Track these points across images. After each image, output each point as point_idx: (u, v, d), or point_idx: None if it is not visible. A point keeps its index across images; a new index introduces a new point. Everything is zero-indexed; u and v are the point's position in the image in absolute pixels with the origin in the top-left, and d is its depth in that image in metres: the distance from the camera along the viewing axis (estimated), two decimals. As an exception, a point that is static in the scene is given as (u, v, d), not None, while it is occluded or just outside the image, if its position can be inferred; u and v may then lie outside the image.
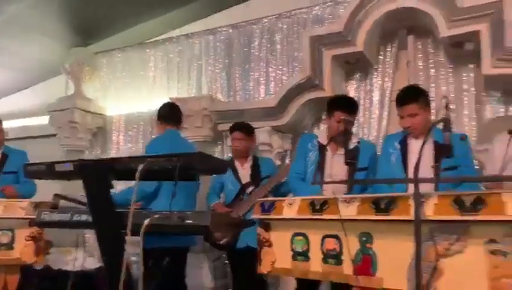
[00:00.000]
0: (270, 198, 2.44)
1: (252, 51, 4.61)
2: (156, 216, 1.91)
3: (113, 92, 5.50)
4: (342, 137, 2.48)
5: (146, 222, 1.85)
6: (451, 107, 3.70)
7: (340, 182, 2.43)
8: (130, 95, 5.33)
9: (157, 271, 2.41)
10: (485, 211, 1.46)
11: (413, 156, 2.48)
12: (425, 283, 1.52)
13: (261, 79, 4.53)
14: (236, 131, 3.56)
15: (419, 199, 1.53)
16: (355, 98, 4.15)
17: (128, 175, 1.98)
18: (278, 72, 4.49)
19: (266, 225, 2.26)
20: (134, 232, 1.84)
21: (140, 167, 1.89)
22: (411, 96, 2.51)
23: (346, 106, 2.72)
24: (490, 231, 1.50)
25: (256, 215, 2.27)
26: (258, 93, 4.52)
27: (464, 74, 3.74)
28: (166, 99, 3.88)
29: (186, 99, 4.33)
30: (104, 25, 5.30)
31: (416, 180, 1.55)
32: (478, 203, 1.47)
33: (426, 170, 2.41)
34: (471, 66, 3.69)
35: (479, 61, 3.28)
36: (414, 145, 2.51)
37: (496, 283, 1.47)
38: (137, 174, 1.88)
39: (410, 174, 2.48)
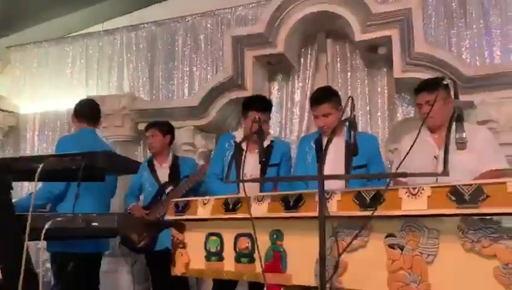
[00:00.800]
0: (185, 198, 2.40)
1: (176, 49, 4.54)
2: (59, 219, 1.79)
3: (28, 89, 5.16)
4: (256, 136, 2.50)
5: (47, 225, 1.74)
6: (367, 109, 3.88)
7: (251, 180, 2.45)
8: (46, 92, 5.02)
9: (62, 277, 2.27)
10: (383, 206, 1.52)
11: (328, 155, 2.56)
12: (330, 277, 1.55)
13: (185, 78, 4.46)
14: (150, 128, 3.49)
15: (324, 195, 1.56)
16: (278, 99, 4.25)
17: (29, 176, 1.85)
18: (202, 71, 4.45)
19: (180, 226, 2.22)
20: (36, 237, 1.72)
21: (40, 167, 1.78)
22: (324, 97, 2.59)
23: (260, 105, 2.76)
24: (389, 226, 1.56)
25: (170, 216, 2.21)
26: (182, 93, 4.45)
27: (379, 77, 3.94)
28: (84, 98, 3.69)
29: (105, 98, 4.16)
30: (18, 17, 4.94)
31: (322, 177, 1.58)
32: (377, 199, 1.52)
33: (339, 168, 2.51)
34: (385, 69, 3.89)
35: (392, 66, 3.47)
36: (330, 144, 2.59)
37: (394, 275, 1.53)
38: (36, 175, 1.76)
39: (325, 172, 2.58)
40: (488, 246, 1.34)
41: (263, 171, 2.74)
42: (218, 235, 2.08)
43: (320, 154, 2.43)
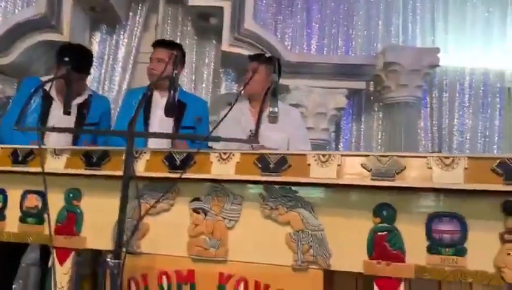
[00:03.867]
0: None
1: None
2: None
3: None
4: (63, 84, 2.20)
5: None
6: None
7: (47, 129, 2.16)
8: None
9: None
10: (193, 169, 1.48)
11: (156, 112, 2.44)
12: (126, 241, 1.44)
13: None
14: None
15: (131, 154, 1.42)
16: (99, 52, 3.88)
17: None
18: (9, 2, 3.75)
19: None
20: None
21: None
22: (165, 43, 2.60)
23: (74, 62, 2.40)
24: (196, 190, 1.53)
25: None
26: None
27: (207, 48, 3.93)
28: None
29: None
30: None
31: (131, 134, 1.45)
32: (187, 161, 1.47)
33: (168, 128, 2.40)
34: (214, 42, 3.89)
35: (221, 40, 3.47)
36: (159, 101, 2.46)
37: (195, 240, 1.51)
38: None
39: (151, 128, 2.44)
40: (284, 214, 1.42)
41: (78, 128, 2.44)
42: (2, 191, 1.76)
43: (139, 107, 2.26)
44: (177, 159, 1.50)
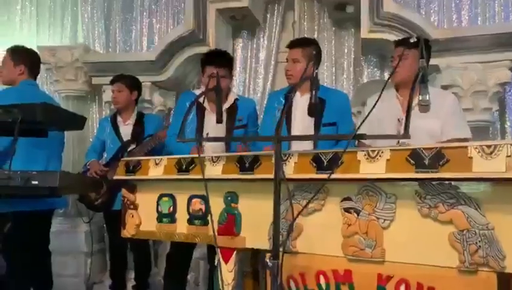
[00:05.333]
0: (137, 157, 2.26)
1: (134, -1, 4.24)
2: (-7, 176, 1.65)
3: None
4: (213, 94, 2.37)
5: (-23, 183, 1.59)
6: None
7: (206, 139, 2.33)
8: (-7, 41, 4.63)
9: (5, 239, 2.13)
10: (341, 169, 1.45)
11: (297, 112, 2.48)
12: (283, 241, 1.49)
13: (144, 30, 4.20)
14: (116, 82, 3.31)
15: (280, 157, 1.46)
16: (242, 57, 4.09)
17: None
18: (163, 24, 4.20)
19: (131, 186, 2.10)
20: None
21: (-32, 119, 1.61)
22: (298, 43, 2.56)
23: (217, 60, 2.59)
24: (346, 189, 1.51)
25: (119, 176, 2.08)
26: (140, 46, 4.20)
27: (346, 38, 3.84)
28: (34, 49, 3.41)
29: (57, 48, 3.87)
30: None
31: (278, 138, 1.49)
32: (335, 161, 1.45)
33: (309, 126, 2.43)
34: (352, 30, 3.79)
35: (359, 27, 3.36)
36: (299, 101, 2.50)
37: (349, 240, 1.49)
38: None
39: (294, 129, 2.49)
40: (445, 212, 1.31)
41: (229, 132, 2.62)
42: (171, 196, 1.98)
43: (283, 113, 2.32)
44: (324, 160, 1.49)
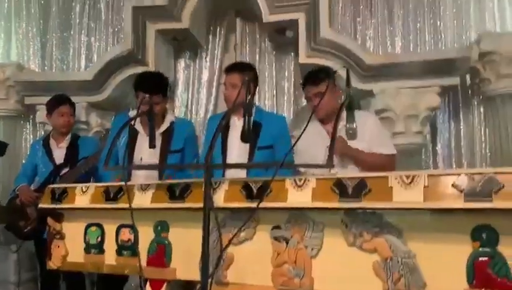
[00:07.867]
0: (61, 185, 2.14)
1: (73, 16, 4.10)
2: None
3: None
4: (146, 118, 2.31)
5: None
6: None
7: (137, 167, 2.25)
8: None
9: None
10: (270, 197, 1.44)
11: (233, 137, 2.43)
12: (212, 272, 1.44)
13: (82, 49, 4.07)
14: (66, 104, 3.15)
15: (209, 186, 1.43)
16: (185, 78, 4.05)
17: None
18: (102, 42, 4.08)
19: (58, 215, 1.99)
20: None
21: None
22: (237, 67, 2.58)
23: (147, 85, 2.51)
24: (275, 218, 1.49)
25: (44, 205, 1.96)
26: (78, 65, 4.06)
27: (286, 61, 3.91)
28: None
29: (-14, 66, 3.67)
30: None
31: (208, 166, 1.46)
32: (264, 189, 1.44)
33: (245, 151, 2.39)
34: (292, 54, 3.86)
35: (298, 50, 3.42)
36: (237, 125, 2.44)
37: (279, 270, 1.47)
38: None
39: (229, 153, 2.45)
40: (370, 240, 1.32)
41: (163, 157, 2.54)
42: (99, 225, 1.89)
43: (212, 141, 2.28)
44: (253, 188, 1.48)
